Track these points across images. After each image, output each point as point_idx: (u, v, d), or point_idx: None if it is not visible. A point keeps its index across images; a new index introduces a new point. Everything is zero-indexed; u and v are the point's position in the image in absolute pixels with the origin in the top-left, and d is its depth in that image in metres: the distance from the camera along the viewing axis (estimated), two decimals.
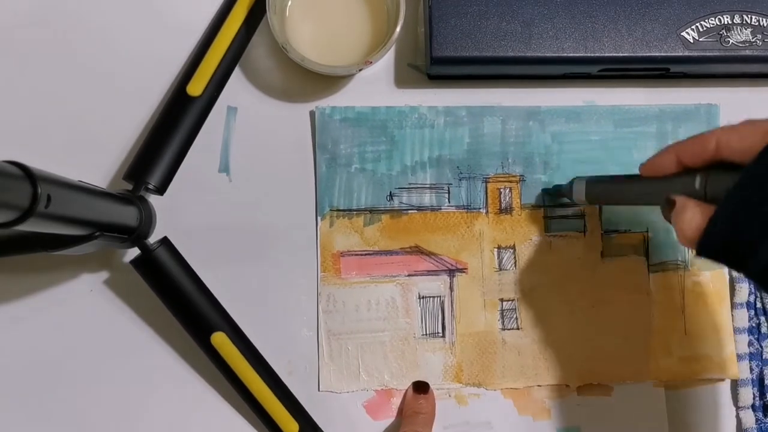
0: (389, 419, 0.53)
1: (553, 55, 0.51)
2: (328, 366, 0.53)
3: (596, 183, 0.49)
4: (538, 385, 0.53)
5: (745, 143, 0.36)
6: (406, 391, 0.53)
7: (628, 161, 0.54)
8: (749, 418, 0.54)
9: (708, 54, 0.51)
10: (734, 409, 0.54)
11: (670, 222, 0.40)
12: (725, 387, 0.54)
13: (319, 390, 0.53)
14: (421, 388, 0.53)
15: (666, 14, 0.51)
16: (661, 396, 0.54)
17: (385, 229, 0.54)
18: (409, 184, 0.54)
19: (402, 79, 0.55)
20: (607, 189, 0.48)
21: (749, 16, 0.51)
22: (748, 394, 0.54)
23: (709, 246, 0.37)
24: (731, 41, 0.51)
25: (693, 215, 0.38)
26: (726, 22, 0.51)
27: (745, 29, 0.51)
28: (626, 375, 0.54)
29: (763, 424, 0.54)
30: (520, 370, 0.53)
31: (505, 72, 0.54)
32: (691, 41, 0.51)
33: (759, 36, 0.51)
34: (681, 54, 0.51)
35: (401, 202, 0.54)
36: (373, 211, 0.54)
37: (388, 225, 0.54)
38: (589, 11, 0.51)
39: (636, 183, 0.44)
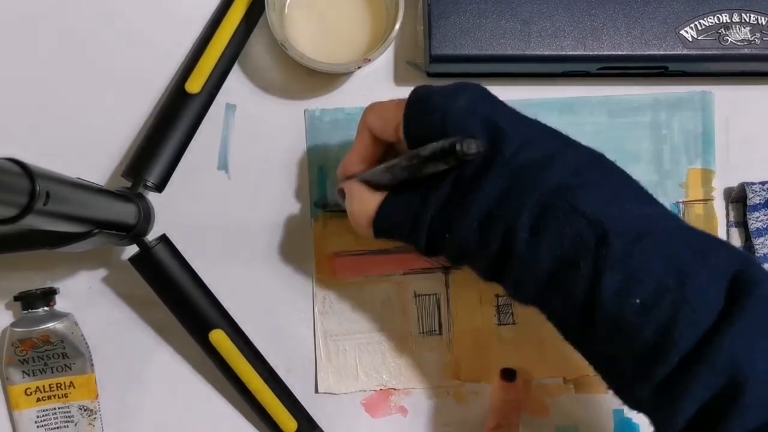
0: (388, 417, 0.53)
1: (552, 53, 0.51)
2: (326, 367, 0.53)
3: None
4: (536, 380, 0.54)
5: (383, 122, 0.42)
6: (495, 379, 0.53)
7: (623, 151, 0.54)
8: None
9: (706, 52, 0.51)
10: None
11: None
12: None
13: (317, 392, 0.53)
14: (509, 375, 0.52)
15: (665, 12, 0.51)
16: None
17: None
18: None
19: (401, 77, 0.55)
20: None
21: (748, 14, 0.51)
22: None
23: (381, 230, 0.41)
24: (730, 40, 0.51)
25: (361, 202, 0.42)
26: (725, 21, 0.51)
27: (744, 28, 0.51)
28: None
29: None
30: (518, 365, 0.53)
31: (504, 70, 0.54)
32: (690, 39, 0.51)
33: (757, 34, 0.51)
34: (680, 52, 0.51)
35: None
36: None
37: None
38: (588, 9, 0.51)
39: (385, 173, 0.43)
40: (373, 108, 0.43)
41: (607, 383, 0.38)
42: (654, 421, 0.36)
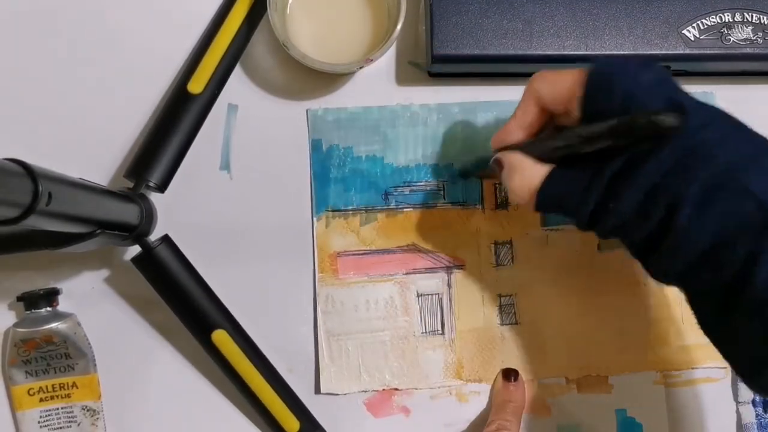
0: (390, 417, 0.53)
1: (554, 53, 0.51)
2: (329, 367, 0.53)
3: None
4: (539, 380, 0.54)
5: (556, 93, 0.41)
6: (495, 379, 0.53)
7: None
8: (749, 414, 0.54)
9: (709, 52, 0.51)
10: (734, 404, 0.54)
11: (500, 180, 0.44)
12: (725, 383, 0.55)
13: (320, 392, 0.53)
14: (510, 375, 0.52)
15: (667, 12, 0.51)
16: (661, 392, 0.54)
17: (381, 228, 0.54)
18: (404, 182, 0.54)
19: (403, 77, 0.55)
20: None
21: (750, 13, 0.51)
22: (747, 390, 0.54)
23: (545, 202, 0.41)
24: (732, 39, 0.51)
25: (524, 173, 0.42)
26: (727, 20, 0.51)
27: (746, 27, 0.51)
28: (625, 366, 0.54)
29: (762, 420, 0.54)
30: (520, 365, 0.53)
31: (506, 70, 0.54)
32: (692, 39, 0.51)
33: (760, 34, 0.51)
34: (682, 52, 0.51)
35: (397, 201, 0.54)
36: (368, 211, 0.54)
37: (384, 224, 0.54)
38: (590, 9, 0.51)
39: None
40: (545, 76, 0.42)
41: (737, 370, 0.38)
42: None
